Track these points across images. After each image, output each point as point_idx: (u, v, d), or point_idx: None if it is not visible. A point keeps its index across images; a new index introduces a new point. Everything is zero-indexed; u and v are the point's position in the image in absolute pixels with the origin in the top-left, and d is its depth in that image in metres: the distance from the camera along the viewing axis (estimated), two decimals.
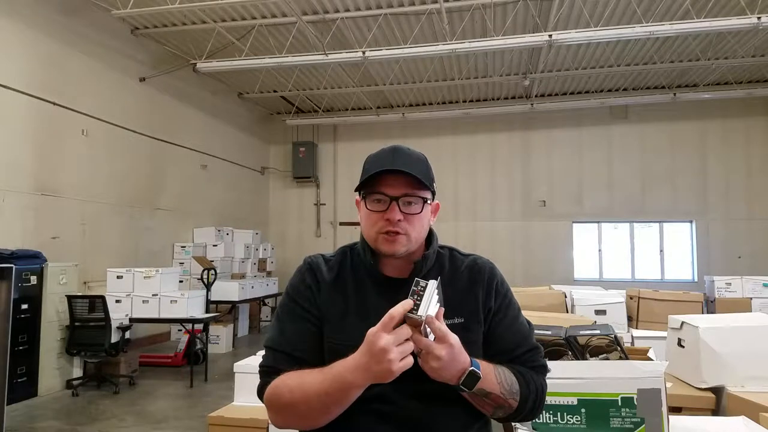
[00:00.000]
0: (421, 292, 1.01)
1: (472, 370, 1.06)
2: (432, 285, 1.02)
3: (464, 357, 1.06)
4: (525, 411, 1.18)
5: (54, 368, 5.71)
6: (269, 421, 2.81)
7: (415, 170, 1.17)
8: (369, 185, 1.19)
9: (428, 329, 1.01)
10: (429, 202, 1.22)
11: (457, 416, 1.15)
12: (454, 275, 1.26)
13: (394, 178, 1.17)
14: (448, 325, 1.08)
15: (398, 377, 1.10)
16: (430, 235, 1.28)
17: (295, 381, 1.11)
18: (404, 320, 1.01)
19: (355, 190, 1.23)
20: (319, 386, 1.05)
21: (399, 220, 1.16)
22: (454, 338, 1.03)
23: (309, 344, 1.19)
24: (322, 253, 1.32)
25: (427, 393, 1.11)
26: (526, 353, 1.23)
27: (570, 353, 2.17)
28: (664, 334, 3.08)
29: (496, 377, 1.12)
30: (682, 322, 2.73)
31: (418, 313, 0.99)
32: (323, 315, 1.21)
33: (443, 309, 1.06)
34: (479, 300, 1.23)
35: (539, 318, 3.27)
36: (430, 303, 1.01)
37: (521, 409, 1.16)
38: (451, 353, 1.02)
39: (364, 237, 1.25)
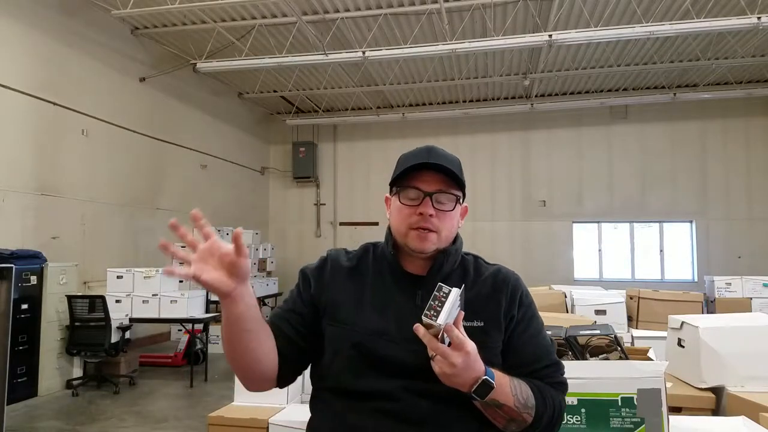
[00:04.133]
0: (443, 298, 0.99)
1: (486, 379, 1.04)
2: (455, 293, 1.00)
3: (479, 365, 1.04)
4: (540, 427, 1.15)
5: (54, 368, 5.71)
6: (268, 422, 2.82)
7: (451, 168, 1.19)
8: (403, 180, 1.20)
9: (446, 335, 1.00)
10: (460, 201, 1.23)
11: (468, 421, 1.12)
12: (477, 281, 1.24)
13: (429, 175, 1.18)
14: (467, 327, 1.07)
15: (409, 375, 1.10)
16: (455, 237, 1.28)
17: None
18: (421, 323, 0.99)
19: (390, 185, 1.24)
20: None
21: (431, 216, 1.16)
22: (471, 346, 1.01)
23: (288, 321, 1.23)
24: (345, 248, 1.35)
25: (437, 394, 1.09)
26: (546, 368, 1.20)
27: (570, 353, 2.17)
28: (664, 334, 3.07)
29: (511, 389, 1.09)
30: (682, 322, 2.73)
31: (438, 321, 0.97)
32: (329, 302, 1.22)
33: (463, 313, 1.05)
34: (501, 307, 1.20)
35: None
36: (451, 311, 0.99)
37: (536, 424, 1.13)
38: (466, 361, 1.00)
39: (392, 233, 1.25)
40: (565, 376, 1.24)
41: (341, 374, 1.16)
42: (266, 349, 1.15)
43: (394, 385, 1.11)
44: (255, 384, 1.20)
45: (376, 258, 1.28)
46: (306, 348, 1.22)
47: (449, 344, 1.01)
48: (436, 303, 0.98)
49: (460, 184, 1.21)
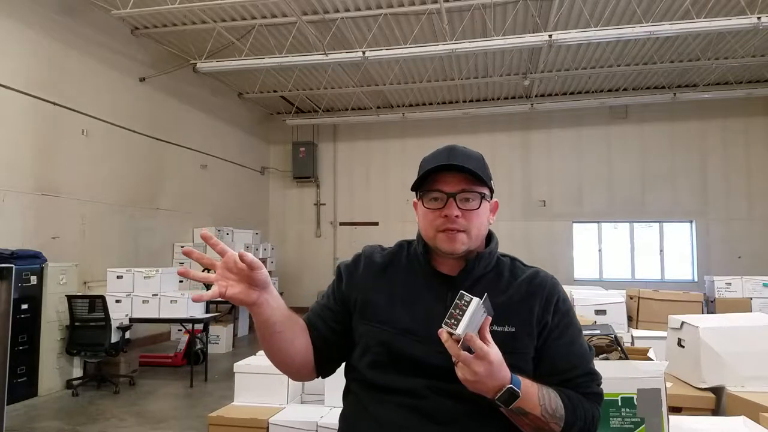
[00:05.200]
0: (464, 307, 0.97)
1: (511, 387, 1.01)
2: (476, 302, 0.98)
3: (504, 373, 1.01)
4: None
5: (54, 368, 5.71)
6: (269, 421, 2.82)
7: (471, 166, 1.16)
8: (425, 184, 1.19)
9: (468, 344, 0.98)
10: (487, 198, 1.20)
11: (492, 424, 1.11)
12: (512, 284, 1.21)
13: (451, 176, 1.17)
14: (497, 332, 1.06)
15: (433, 375, 1.11)
16: (490, 237, 1.26)
17: None
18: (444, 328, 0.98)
19: (412, 190, 1.24)
20: None
21: (457, 216, 1.15)
22: (495, 356, 0.99)
23: (322, 318, 1.26)
24: (381, 245, 1.35)
25: (461, 395, 1.07)
26: (580, 377, 1.16)
27: None
28: (664, 334, 3.07)
29: (538, 398, 1.06)
30: (682, 322, 2.72)
31: (457, 331, 0.96)
32: (361, 298, 1.23)
33: (490, 318, 1.02)
34: (534, 313, 1.17)
35: None
36: (472, 320, 0.97)
37: None
38: (488, 370, 0.98)
39: (422, 236, 1.24)
40: (601, 386, 1.20)
41: (369, 369, 1.17)
42: (299, 346, 1.19)
43: (419, 383, 1.12)
44: (295, 376, 1.28)
45: (409, 256, 1.28)
46: (339, 342, 1.25)
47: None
48: (457, 312, 0.97)
49: (484, 181, 1.18)
